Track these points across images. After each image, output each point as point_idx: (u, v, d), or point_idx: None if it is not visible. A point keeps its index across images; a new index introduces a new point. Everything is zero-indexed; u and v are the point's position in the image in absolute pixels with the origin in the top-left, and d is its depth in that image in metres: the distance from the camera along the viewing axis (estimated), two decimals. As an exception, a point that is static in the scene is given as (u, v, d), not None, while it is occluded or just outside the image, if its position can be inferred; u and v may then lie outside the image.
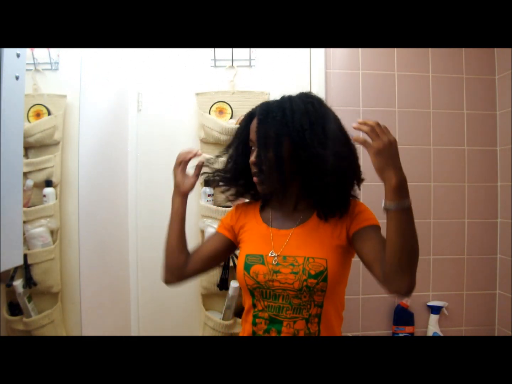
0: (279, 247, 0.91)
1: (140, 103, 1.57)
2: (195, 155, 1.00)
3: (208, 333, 1.50)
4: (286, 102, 0.90)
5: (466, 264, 1.62)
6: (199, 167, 1.01)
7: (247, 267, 0.90)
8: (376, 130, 0.74)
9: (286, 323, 0.87)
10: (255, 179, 0.91)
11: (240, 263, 0.92)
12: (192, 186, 1.01)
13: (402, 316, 1.56)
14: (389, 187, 0.74)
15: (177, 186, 1.01)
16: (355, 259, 0.90)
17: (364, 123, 0.75)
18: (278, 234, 0.94)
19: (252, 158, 0.91)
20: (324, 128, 0.86)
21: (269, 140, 0.86)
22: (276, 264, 0.88)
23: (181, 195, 1.01)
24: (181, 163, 1.00)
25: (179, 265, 0.98)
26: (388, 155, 0.74)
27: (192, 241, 1.56)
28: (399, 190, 0.73)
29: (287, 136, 0.86)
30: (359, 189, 0.94)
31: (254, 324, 0.91)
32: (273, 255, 0.90)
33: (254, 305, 0.92)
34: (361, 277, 1.55)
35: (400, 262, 0.74)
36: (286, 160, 0.86)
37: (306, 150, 0.84)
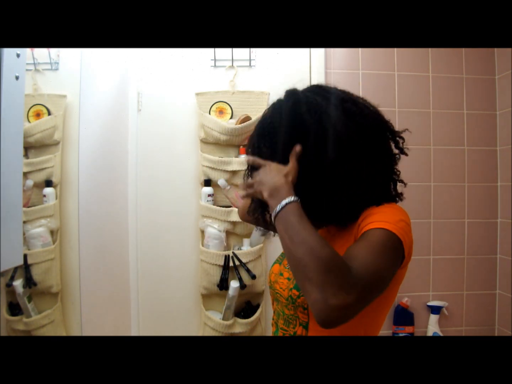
0: None
1: (140, 103, 1.57)
2: None
3: (208, 333, 1.51)
4: (277, 105, 0.76)
5: (466, 264, 1.62)
6: None
7: (272, 264, 0.88)
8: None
9: (281, 333, 0.81)
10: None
11: None
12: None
13: (402, 316, 1.56)
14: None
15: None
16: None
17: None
18: None
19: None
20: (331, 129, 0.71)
21: (257, 150, 0.77)
22: (284, 266, 0.82)
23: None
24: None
25: None
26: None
27: (192, 241, 1.58)
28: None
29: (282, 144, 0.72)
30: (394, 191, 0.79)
31: (272, 324, 0.87)
32: None
33: (272, 305, 0.87)
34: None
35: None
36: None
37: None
